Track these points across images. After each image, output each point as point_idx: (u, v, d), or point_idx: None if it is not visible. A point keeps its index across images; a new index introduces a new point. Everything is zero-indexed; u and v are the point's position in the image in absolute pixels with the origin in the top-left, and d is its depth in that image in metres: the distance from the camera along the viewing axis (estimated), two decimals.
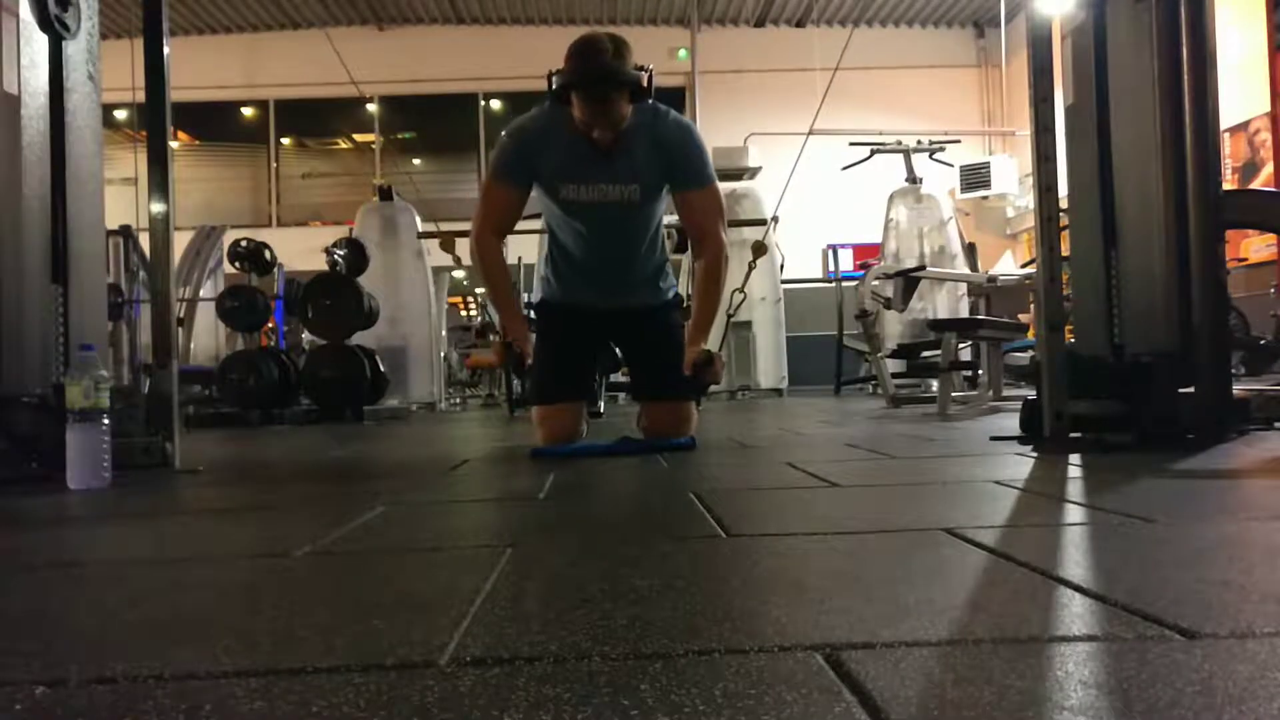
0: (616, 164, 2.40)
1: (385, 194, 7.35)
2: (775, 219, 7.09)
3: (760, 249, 2.54)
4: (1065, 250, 2.48)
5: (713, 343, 2.56)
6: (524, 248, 6.82)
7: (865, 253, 9.03)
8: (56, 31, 2.27)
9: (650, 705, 0.54)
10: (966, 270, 7.00)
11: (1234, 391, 2.30)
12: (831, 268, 8.80)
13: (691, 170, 2.46)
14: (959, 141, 8.21)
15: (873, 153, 7.37)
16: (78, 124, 2.37)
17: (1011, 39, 11.62)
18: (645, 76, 2.28)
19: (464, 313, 10.76)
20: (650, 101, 2.38)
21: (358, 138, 13.02)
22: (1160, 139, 2.23)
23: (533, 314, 2.91)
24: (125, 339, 6.94)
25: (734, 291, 2.53)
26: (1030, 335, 5.68)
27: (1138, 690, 0.54)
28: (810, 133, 2.47)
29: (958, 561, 0.95)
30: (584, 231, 2.55)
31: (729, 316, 2.63)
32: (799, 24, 12.39)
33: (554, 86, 2.27)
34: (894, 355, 5.71)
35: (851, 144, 7.25)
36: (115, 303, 6.36)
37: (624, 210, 2.46)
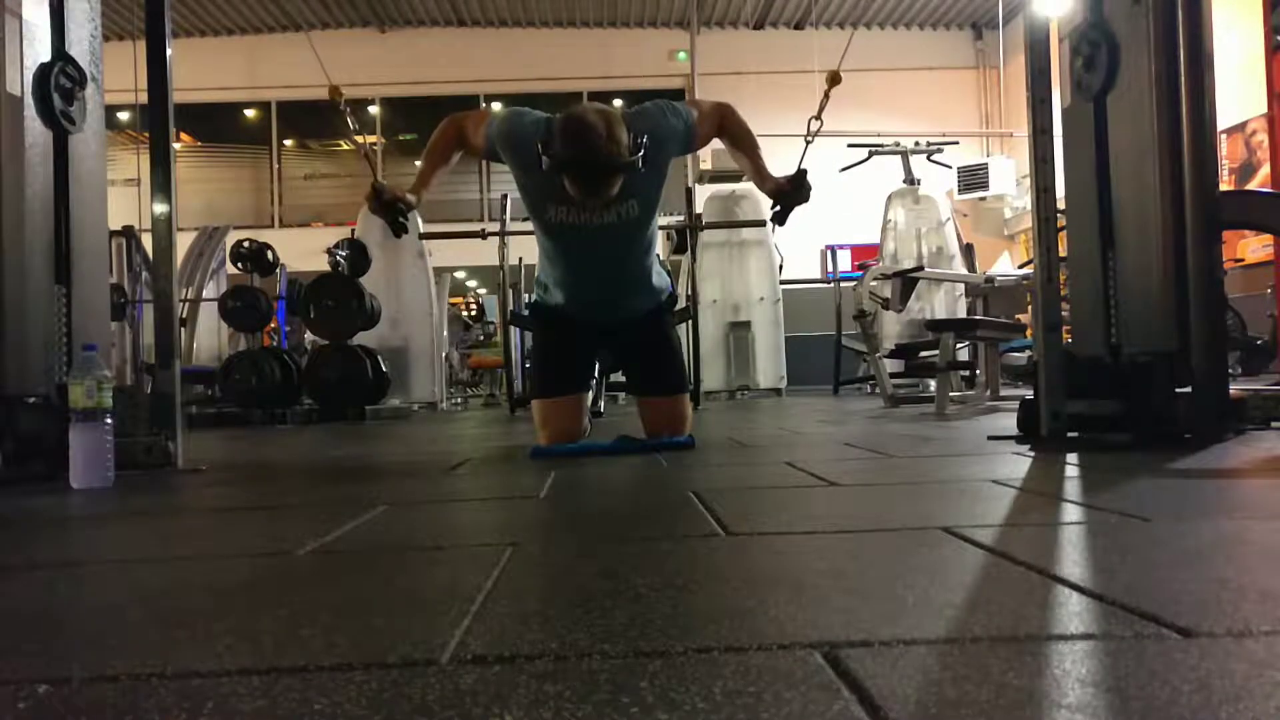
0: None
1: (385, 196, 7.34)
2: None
3: (835, 79, 2.43)
4: (1063, 251, 2.49)
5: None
6: (524, 248, 6.82)
7: (863, 253, 9.04)
8: (63, 128, 2.29)
9: (650, 703, 0.55)
10: (964, 271, 7.00)
11: (1231, 391, 2.30)
12: (830, 268, 8.80)
13: (686, 131, 2.41)
14: (957, 143, 8.21)
15: (871, 154, 7.37)
16: (81, 125, 2.38)
17: (1009, 41, 11.63)
18: (639, 158, 2.20)
19: (464, 313, 10.77)
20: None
21: (360, 139, 13.03)
22: (1157, 140, 2.23)
23: (530, 314, 2.92)
24: (128, 339, 6.94)
25: (810, 119, 2.43)
26: (1028, 335, 5.69)
27: (1135, 688, 0.55)
28: (816, 134, 2.44)
29: (956, 560, 0.95)
30: (575, 253, 2.51)
31: (808, 142, 2.45)
32: (798, 26, 12.40)
33: (545, 167, 2.19)
34: (892, 355, 5.71)
35: (850, 145, 7.24)
36: (118, 303, 6.36)
37: (621, 229, 2.40)
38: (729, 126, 2.51)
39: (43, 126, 2.27)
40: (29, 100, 2.22)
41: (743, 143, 2.50)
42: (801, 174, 2.42)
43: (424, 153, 2.53)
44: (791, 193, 2.41)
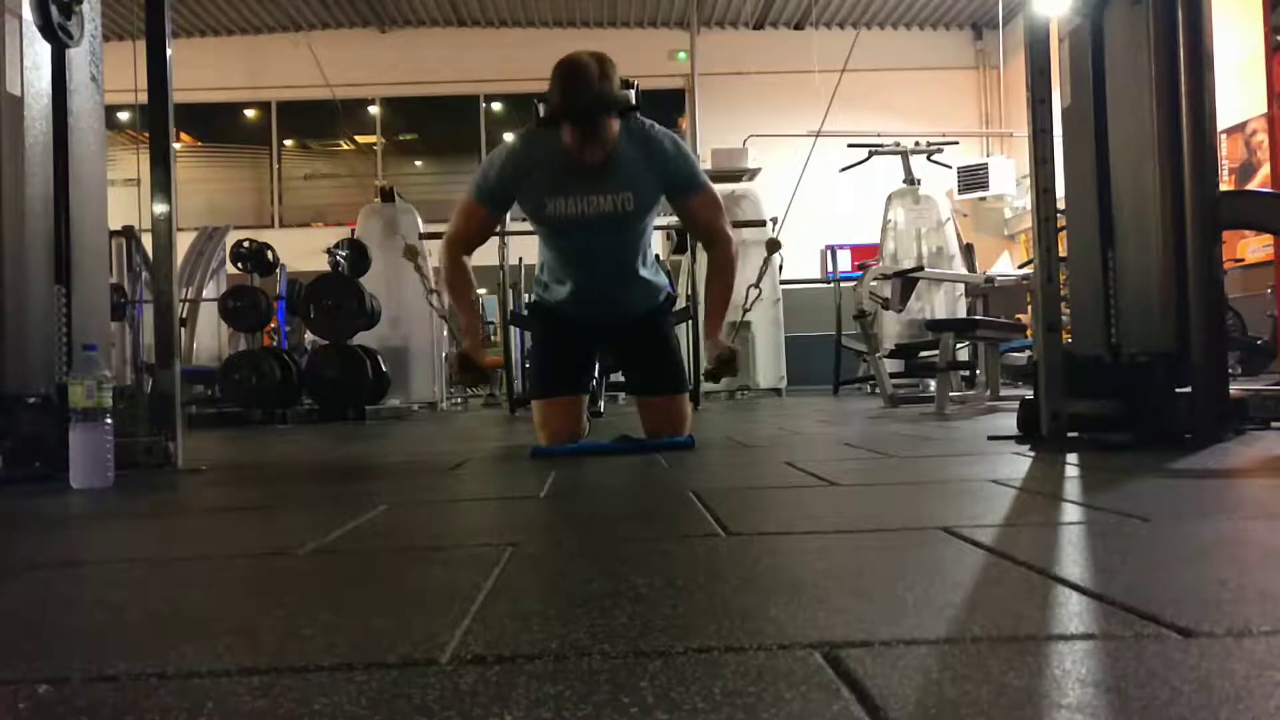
0: (608, 174, 2.36)
1: (387, 195, 7.36)
2: (775, 219, 7.10)
3: (774, 245, 2.56)
4: (1063, 251, 2.49)
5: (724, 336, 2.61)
6: (524, 248, 6.83)
7: (863, 253, 9.03)
8: (60, 40, 2.27)
9: (650, 703, 0.55)
10: (964, 271, 7.00)
11: (1231, 391, 2.30)
12: (830, 268, 8.81)
13: (685, 178, 2.45)
14: (957, 143, 8.21)
15: (871, 154, 7.37)
16: (80, 125, 2.38)
17: (1009, 41, 11.63)
18: (632, 94, 2.26)
19: None
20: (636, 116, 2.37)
21: (360, 139, 13.03)
22: (1157, 140, 2.23)
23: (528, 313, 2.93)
24: (128, 339, 6.94)
25: (749, 288, 2.57)
26: (1028, 335, 5.69)
27: (1135, 688, 0.55)
28: (818, 134, 2.49)
29: (956, 560, 0.95)
30: (574, 249, 2.52)
31: (744, 310, 2.69)
32: (798, 26, 12.40)
33: (542, 115, 2.24)
34: (892, 355, 5.71)
35: (850, 145, 7.25)
36: (118, 303, 6.36)
37: (617, 220, 2.42)
38: (720, 252, 2.56)
39: (44, 126, 2.27)
40: (30, 100, 2.22)
41: (721, 278, 2.57)
42: (731, 353, 2.49)
43: (448, 289, 2.59)
44: (718, 368, 2.48)
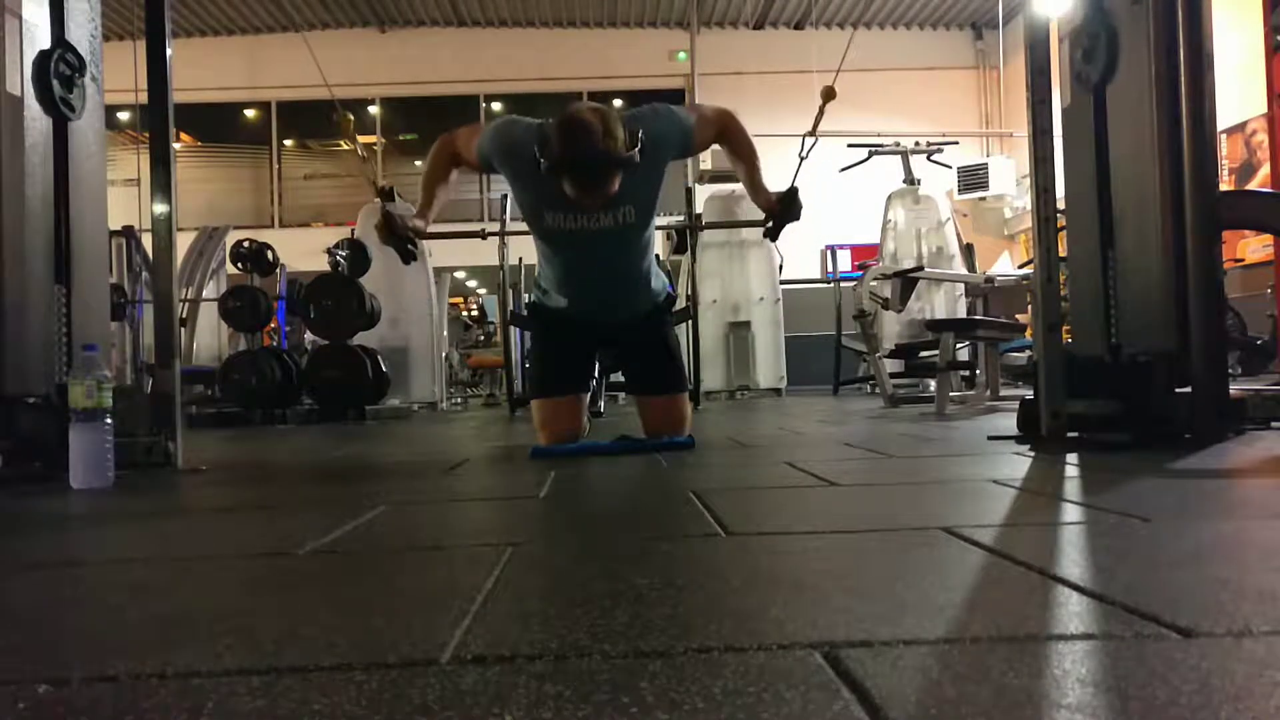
0: None
1: (387, 195, 7.35)
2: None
3: (830, 94, 2.42)
4: (1063, 251, 2.49)
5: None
6: (524, 248, 6.83)
7: (863, 253, 9.03)
8: (62, 113, 2.29)
9: (650, 703, 0.55)
10: (964, 271, 7.00)
11: (1231, 391, 2.30)
12: (830, 268, 8.80)
13: (684, 136, 2.41)
14: (957, 143, 8.21)
15: (871, 154, 7.37)
16: (81, 125, 2.38)
17: (1009, 41, 11.63)
18: (636, 153, 2.20)
19: (464, 312, 10.78)
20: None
21: (360, 139, 13.04)
22: (1157, 140, 2.23)
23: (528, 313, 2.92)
24: (128, 339, 6.94)
25: (804, 136, 2.46)
26: (1028, 335, 5.69)
27: (1135, 689, 0.55)
28: (819, 134, 2.44)
29: (956, 560, 0.95)
30: (573, 258, 2.51)
31: (801, 160, 2.55)
32: (798, 26, 12.40)
33: (543, 168, 2.18)
34: (892, 355, 5.71)
35: (850, 145, 7.24)
36: (118, 303, 6.36)
37: (618, 234, 2.40)
38: (729, 134, 2.51)
39: (43, 126, 2.27)
40: (29, 100, 2.22)
41: (742, 152, 2.51)
42: (793, 192, 2.46)
43: (422, 176, 2.56)
44: (781, 211, 2.45)
